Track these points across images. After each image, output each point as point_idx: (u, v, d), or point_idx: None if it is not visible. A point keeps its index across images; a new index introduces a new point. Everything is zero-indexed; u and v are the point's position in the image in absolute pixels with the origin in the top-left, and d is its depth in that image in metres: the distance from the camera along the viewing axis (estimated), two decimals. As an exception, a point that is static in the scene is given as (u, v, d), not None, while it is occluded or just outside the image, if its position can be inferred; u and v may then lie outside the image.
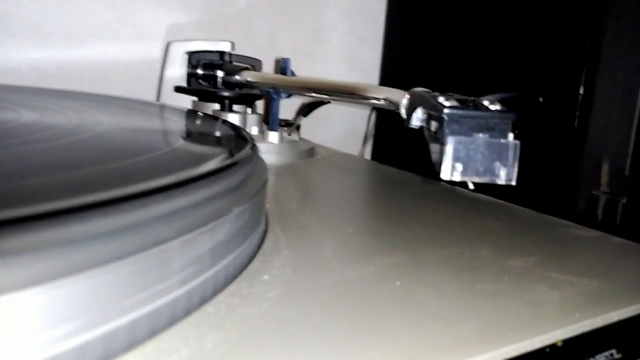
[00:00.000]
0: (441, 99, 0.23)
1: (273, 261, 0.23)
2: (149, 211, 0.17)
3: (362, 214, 0.34)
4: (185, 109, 0.43)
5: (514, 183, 0.23)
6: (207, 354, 0.16)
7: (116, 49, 0.63)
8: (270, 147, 0.47)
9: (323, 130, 0.80)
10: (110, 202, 0.16)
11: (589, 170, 0.50)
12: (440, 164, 0.22)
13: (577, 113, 0.50)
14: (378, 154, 0.78)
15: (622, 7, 0.47)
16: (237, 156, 0.25)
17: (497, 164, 0.22)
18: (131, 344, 0.15)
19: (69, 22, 0.60)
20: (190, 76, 0.55)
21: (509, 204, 0.38)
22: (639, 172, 0.47)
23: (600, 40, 0.49)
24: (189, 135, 0.34)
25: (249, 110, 0.52)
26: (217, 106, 0.51)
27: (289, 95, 0.48)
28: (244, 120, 0.50)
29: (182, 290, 0.18)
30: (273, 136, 0.47)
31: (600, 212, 0.49)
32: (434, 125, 0.23)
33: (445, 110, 0.22)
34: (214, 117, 0.41)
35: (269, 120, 0.48)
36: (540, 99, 0.20)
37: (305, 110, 0.51)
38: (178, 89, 0.52)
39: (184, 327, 0.17)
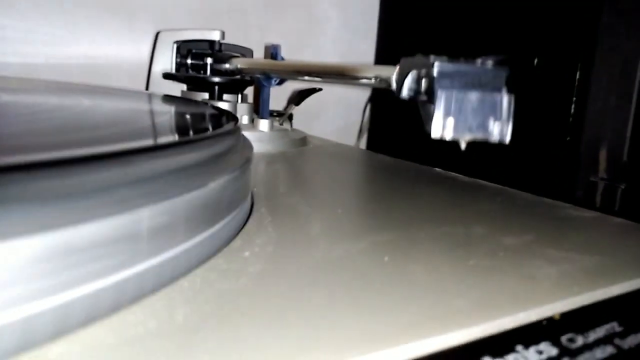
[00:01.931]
0: (432, 57, 0.22)
1: (256, 239, 0.22)
2: (117, 173, 0.16)
3: (353, 197, 0.33)
4: (174, 95, 0.42)
5: (507, 140, 0.22)
6: (177, 327, 0.15)
7: (106, 42, 0.62)
8: (261, 135, 0.46)
9: (318, 123, 0.79)
10: (72, 162, 0.15)
11: (587, 156, 0.49)
12: (430, 122, 0.21)
13: (574, 98, 0.49)
14: (374, 147, 0.77)
15: (618, -11, 0.46)
16: (216, 130, 0.24)
17: (491, 120, 0.21)
18: (93, 315, 0.14)
19: (57, 14, 0.58)
20: (180, 66, 0.54)
21: (505, 187, 0.37)
22: (638, 158, 0.46)
23: (597, 23, 0.48)
24: (173, 114, 0.32)
25: (239, 99, 0.51)
26: (206, 95, 0.50)
27: (280, 82, 0.47)
28: (234, 109, 0.49)
29: (152, 261, 0.17)
30: (263, 124, 0.46)
31: (598, 199, 0.48)
32: (424, 85, 0.22)
33: (436, 64, 0.21)
34: (199, 101, 0.40)
35: (259, 109, 0.47)
36: (535, 61, 0.19)
37: (297, 98, 0.50)
38: (166, 76, 0.51)
39: (155, 300, 0.16)
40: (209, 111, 0.33)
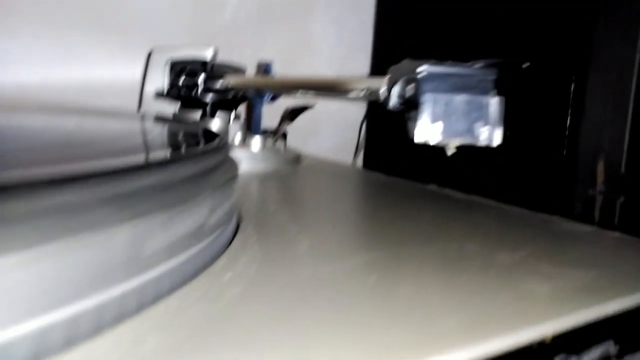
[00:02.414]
0: (418, 62, 0.21)
1: (239, 259, 0.22)
2: (90, 193, 0.15)
3: (343, 215, 0.32)
4: (161, 115, 0.42)
5: (496, 144, 0.21)
6: (143, 358, 0.14)
7: (100, 62, 0.61)
8: (253, 153, 0.45)
9: (315, 141, 0.78)
10: (38, 183, 0.14)
11: (584, 169, 0.48)
12: (415, 126, 0.20)
13: (569, 110, 0.48)
14: (371, 164, 0.77)
15: (612, 0, 0.46)
16: (195, 149, 0.23)
17: (478, 123, 0.20)
18: (71, 339, 0.14)
19: (53, 36, 0.58)
20: (173, 85, 0.53)
21: (500, 203, 0.36)
22: (636, 170, 0.45)
23: (591, 34, 0.47)
24: (155, 134, 0.32)
25: (231, 117, 0.51)
26: (198, 114, 0.49)
27: (273, 99, 0.46)
28: (226, 127, 0.48)
29: (127, 286, 0.16)
30: (255, 142, 0.46)
31: (597, 213, 0.47)
32: (411, 90, 0.22)
33: (421, 67, 0.20)
34: (185, 121, 0.39)
35: (251, 127, 0.47)
36: (524, 65, 0.18)
37: (290, 116, 0.49)
38: (158, 95, 0.51)
39: (126, 328, 0.15)
40: (193, 130, 0.32)
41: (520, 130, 0.52)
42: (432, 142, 0.21)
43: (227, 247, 0.23)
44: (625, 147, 0.46)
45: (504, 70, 0.21)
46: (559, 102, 0.49)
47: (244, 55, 0.69)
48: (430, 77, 0.20)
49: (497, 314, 0.18)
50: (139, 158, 0.21)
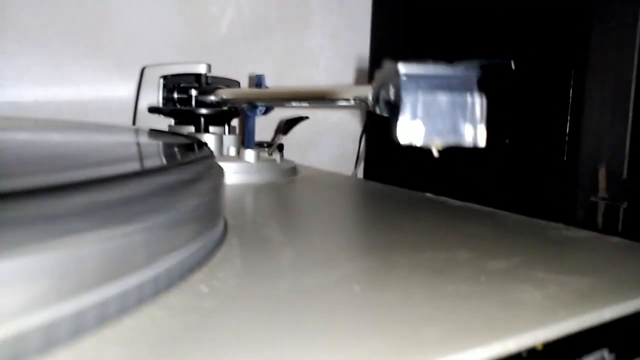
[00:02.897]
0: (398, 63, 0.20)
1: (219, 272, 0.21)
2: (63, 202, 0.14)
3: (336, 225, 0.32)
4: (154, 129, 0.41)
5: (481, 144, 0.20)
6: (105, 371, 0.13)
7: (94, 79, 0.61)
8: (247, 166, 0.45)
9: (314, 154, 0.78)
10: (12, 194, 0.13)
11: (585, 176, 0.47)
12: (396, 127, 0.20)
13: (569, 117, 0.47)
14: (371, 175, 0.76)
15: (606, 3, 0.46)
16: (176, 158, 0.22)
17: (463, 123, 0.20)
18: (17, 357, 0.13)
19: (46, 56, 0.58)
20: (167, 100, 0.53)
21: (497, 210, 0.35)
22: (638, 174, 0.44)
23: (587, 39, 0.47)
24: (140, 144, 0.31)
25: (226, 131, 0.50)
26: (192, 129, 0.49)
27: (265, 112, 0.46)
28: (220, 141, 0.48)
29: (93, 297, 0.15)
30: (249, 155, 0.45)
31: (600, 219, 0.46)
32: (392, 92, 0.21)
33: (399, 66, 0.20)
34: (172, 132, 0.39)
35: (244, 139, 0.46)
36: (513, 66, 0.17)
37: (284, 128, 0.49)
38: (152, 110, 0.51)
39: (89, 340, 0.15)
40: (177, 141, 0.32)
41: (519, 137, 0.51)
42: (415, 143, 0.20)
43: (208, 259, 0.22)
44: (627, 151, 0.45)
45: (489, 69, 0.20)
46: (558, 108, 0.48)
47: (240, 69, 0.69)
48: (410, 77, 0.20)
49: (485, 321, 0.17)
50: (119, 168, 0.21)
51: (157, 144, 0.31)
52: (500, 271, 0.22)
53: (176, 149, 0.29)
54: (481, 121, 0.20)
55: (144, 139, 0.33)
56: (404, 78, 0.20)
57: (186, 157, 0.26)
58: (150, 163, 0.24)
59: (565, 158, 0.48)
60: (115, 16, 0.61)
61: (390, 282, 0.20)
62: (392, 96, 0.21)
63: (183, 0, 0.65)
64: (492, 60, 0.20)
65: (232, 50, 0.69)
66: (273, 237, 0.27)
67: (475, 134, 0.20)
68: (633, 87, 0.45)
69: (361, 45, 0.78)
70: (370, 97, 0.28)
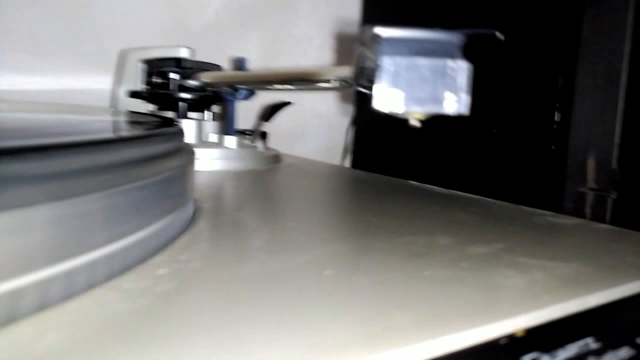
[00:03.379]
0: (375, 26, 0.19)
1: (181, 255, 0.19)
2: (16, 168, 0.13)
3: (314, 211, 0.30)
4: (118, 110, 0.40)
5: (465, 112, 0.19)
6: (35, 356, 0.12)
7: (75, 66, 0.59)
8: (227, 152, 0.43)
9: (302, 144, 0.76)
10: None
11: (574, 166, 0.46)
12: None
13: (557, 105, 0.46)
14: (358, 166, 0.75)
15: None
16: (129, 132, 0.21)
17: (444, 91, 0.18)
18: None
19: (25, 42, 0.57)
20: (148, 85, 0.51)
21: (482, 198, 0.34)
22: (628, 165, 0.43)
23: (578, 27, 0.45)
24: (107, 121, 0.30)
25: (206, 117, 0.49)
26: (173, 114, 0.47)
27: (247, 97, 0.44)
28: (200, 126, 0.46)
29: (40, 274, 0.14)
30: (230, 141, 0.44)
31: (588, 210, 0.45)
32: (371, 59, 0.19)
33: (379, 33, 0.18)
34: (143, 112, 0.37)
35: (225, 125, 0.45)
36: (501, 38, 0.16)
37: (267, 114, 0.47)
38: (131, 94, 0.49)
39: (25, 326, 0.13)
40: (147, 119, 0.30)
41: (508, 126, 0.50)
42: (394, 111, 0.18)
43: (171, 242, 0.21)
44: (616, 141, 0.44)
45: (474, 39, 0.18)
46: (547, 96, 0.47)
47: (226, 57, 0.68)
48: (388, 40, 0.18)
49: (462, 307, 0.16)
50: (76, 138, 0.19)
51: (124, 121, 0.30)
52: (482, 256, 0.21)
53: (144, 127, 0.28)
54: (465, 89, 0.18)
55: (112, 117, 0.31)
56: (381, 41, 0.18)
57: (153, 133, 0.24)
58: (111, 136, 0.22)
59: (553, 147, 0.47)
60: (98, 1, 0.59)
61: (363, 265, 0.19)
62: (370, 64, 0.20)
63: (167, -15, 0.64)
64: (476, 30, 0.18)
65: (218, 37, 0.68)
66: (246, 222, 0.25)
67: (458, 103, 0.18)
68: (623, 75, 0.44)
69: (350, 36, 0.77)
70: (351, 75, 0.26)
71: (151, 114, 0.35)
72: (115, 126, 0.27)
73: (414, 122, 0.19)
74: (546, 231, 0.26)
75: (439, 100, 0.18)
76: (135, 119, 0.32)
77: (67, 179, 0.16)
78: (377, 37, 0.18)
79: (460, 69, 0.18)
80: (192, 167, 0.26)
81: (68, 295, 0.15)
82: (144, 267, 0.18)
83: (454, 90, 0.18)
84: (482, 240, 0.23)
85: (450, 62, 0.18)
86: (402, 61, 0.18)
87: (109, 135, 0.19)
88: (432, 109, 0.19)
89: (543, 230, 0.26)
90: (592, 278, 0.19)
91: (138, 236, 0.18)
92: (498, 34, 0.19)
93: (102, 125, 0.27)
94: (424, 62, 0.18)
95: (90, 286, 0.16)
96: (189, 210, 0.25)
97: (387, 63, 0.18)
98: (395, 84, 0.18)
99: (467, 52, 0.19)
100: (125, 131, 0.22)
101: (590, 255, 0.22)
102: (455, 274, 0.19)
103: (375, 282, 0.18)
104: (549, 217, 0.29)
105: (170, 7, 0.64)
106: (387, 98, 0.18)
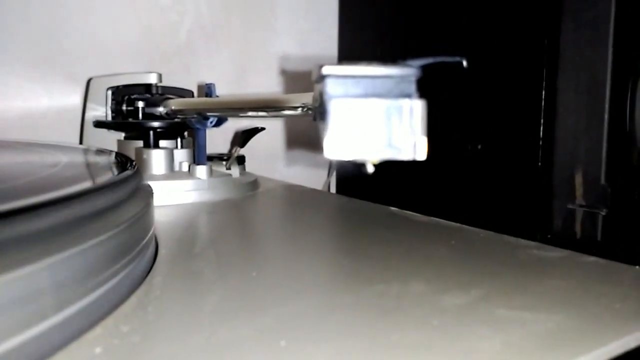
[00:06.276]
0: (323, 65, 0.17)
1: (124, 325, 0.18)
2: None
3: (281, 250, 0.28)
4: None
5: (422, 157, 0.17)
6: None
7: (44, 93, 0.58)
8: (198, 183, 0.41)
9: (284, 166, 0.75)
10: None
11: (562, 182, 0.44)
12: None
13: (542, 120, 0.45)
14: (343, 188, 0.73)
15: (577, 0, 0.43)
16: (65, 188, 0.19)
17: (399, 133, 0.16)
18: None
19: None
20: (117, 114, 0.50)
21: (466, 227, 0.32)
22: (617, 180, 0.42)
23: (557, 38, 0.44)
24: (58, 166, 0.28)
25: (178, 145, 0.47)
26: (142, 144, 0.46)
27: (217, 124, 0.43)
28: (171, 156, 0.44)
29: None
30: (200, 171, 0.42)
31: (578, 228, 0.43)
32: (319, 99, 0.18)
33: (323, 69, 0.17)
34: (102, 150, 0.35)
35: (195, 154, 0.43)
36: (465, 64, 0.15)
37: (241, 139, 0.46)
38: (98, 124, 0.47)
39: None
40: (101, 159, 0.28)
41: (491, 142, 0.49)
42: (343, 158, 0.17)
43: (117, 306, 0.19)
44: (604, 155, 0.43)
45: (440, 69, 0.17)
46: (530, 113, 0.45)
47: (200, 78, 0.66)
48: (336, 80, 0.17)
49: (428, 389, 0.14)
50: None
51: (77, 165, 0.28)
52: (457, 309, 0.19)
53: (97, 170, 0.26)
54: (420, 130, 0.17)
55: (63, 158, 0.29)
56: (328, 82, 0.16)
57: (103, 179, 0.22)
58: (54, 193, 0.21)
59: (539, 164, 0.45)
60: (66, 25, 0.58)
61: (325, 331, 0.17)
62: (319, 104, 0.18)
63: (139, 8, 0.62)
64: (441, 59, 0.17)
65: (192, 58, 0.66)
66: (204, 273, 0.24)
67: (413, 146, 0.17)
68: (608, 86, 0.43)
69: (329, 50, 0.75)
70: (313, 108, 0.25)
71: (109, 152, 0.34)
72: (60, 175, 0.25)
73: (369, 168, 0.17)
74: (530, 269, 0.24)
75: (394, 145, 0.16)
76: (90, 159, 0.30)
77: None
78: (323, 76, 0.16)
79: (416, 109, 0.16)
80: (148, 214, 0.24)
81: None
82: (79, 345, 0.16)
83: (410, 133, 0.16)
84: (460, 286, 0.21)
85: (405, 102, 0.16)
86: (353, 103, 0.16)
87: (35, 199, 0.17)
88: (386, 155, 0.17)
89: (526, 268, 0.24)
90: (574, 335, 0.17)
91: (75, 308, 0.16)
92: (464, 62, 0.17)
93: (45, 173, 0.25)
94: (376, 102, 0.16)
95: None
96: (142, 264, 0.23)
97: (335, 105, 0.16)
98: (344, 127, 0.16)
99: (431, 83, 0.17)
100: (62, 186, 0.20)
101: (574, 303, 0.20)
102: (425, 337, 0.17)
103: (332, 353, 0.16)
104: (534, 249, 0.27)
105: (142, 30, 0.62)
106: (336, 143, 0.16)
